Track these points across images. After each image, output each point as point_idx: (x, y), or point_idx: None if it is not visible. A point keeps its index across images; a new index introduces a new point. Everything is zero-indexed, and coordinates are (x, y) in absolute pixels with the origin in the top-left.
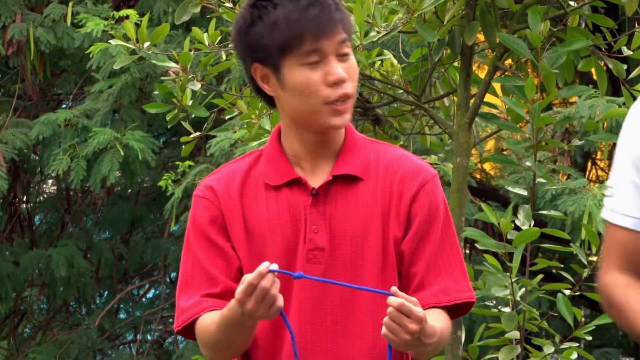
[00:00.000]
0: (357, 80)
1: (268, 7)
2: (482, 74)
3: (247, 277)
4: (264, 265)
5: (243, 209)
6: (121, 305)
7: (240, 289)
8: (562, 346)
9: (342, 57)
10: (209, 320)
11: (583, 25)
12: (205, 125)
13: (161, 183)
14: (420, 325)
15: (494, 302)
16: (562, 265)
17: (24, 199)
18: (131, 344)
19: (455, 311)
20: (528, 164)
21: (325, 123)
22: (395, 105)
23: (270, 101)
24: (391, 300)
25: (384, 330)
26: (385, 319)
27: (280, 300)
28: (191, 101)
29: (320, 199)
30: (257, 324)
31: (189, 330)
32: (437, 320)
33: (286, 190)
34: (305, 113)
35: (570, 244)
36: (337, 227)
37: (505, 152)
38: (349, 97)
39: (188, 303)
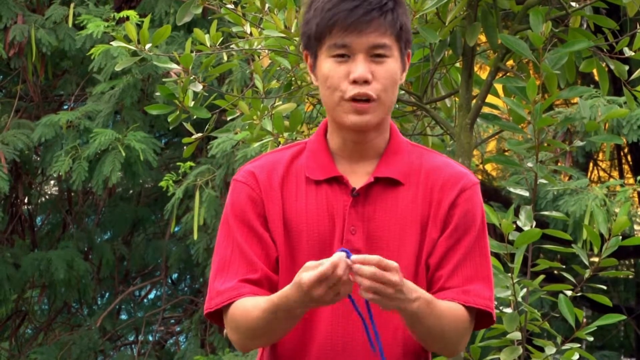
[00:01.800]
0: (391, 85)
1: None
2: (483, 75)
3: (312, 264)
4: (337, 257)
5: (283, 201)
6: (122, 306)
7: (309, 278)
8: (563, 347)
9: (376, 58)
10: (250, 305)
11: (585, 26)
12: (207, 126)
13: (162, 184)
14: (399, 275)
15: (496, 303)
16: (564, 266)
17: (26, 200)
18: (133, 345)
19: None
20: (530, 164)
21: (344, 119)
22: (397, 106)
23: None
24: (365, 263)
25: (369, 295)
26: (367, 282)
27: (349, 286)
28: (193, 102)
29: (360, 200)
30: (303, 314)
31: (219, 315)
32: (445, 304)
33: (326, 186)
34: (329, 106)
35: (572, 245)
36: (375, 229)
37: (506, 153)
38: (370, 98)
39: (225, 286)
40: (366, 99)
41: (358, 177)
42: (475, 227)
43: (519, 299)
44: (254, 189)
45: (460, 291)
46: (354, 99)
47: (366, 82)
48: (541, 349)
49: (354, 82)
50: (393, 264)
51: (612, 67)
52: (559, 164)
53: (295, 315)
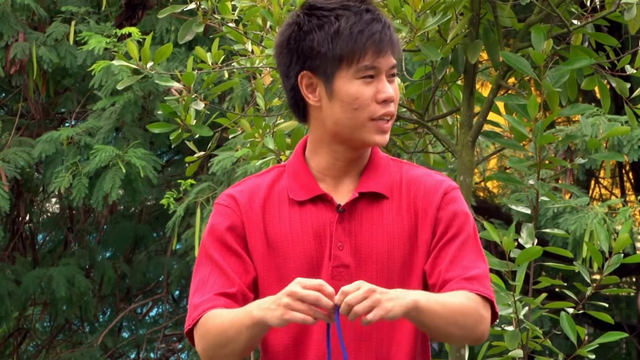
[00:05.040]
0: (398, 100)
1: (330, 17)
2: (485, 93)
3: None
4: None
5: (265, 224)
6: (124, 324)
7: (307, 280)
8: None
9: (391, 77)
10: (221, 313)
11: (586, 43)
12: (209, 144)
13: (163, 201)
14: (366, 284)
15: (497, 320)
16: (565, 284)
17: (27, 217)
18: None
19: None
20: (531, 182)
21: (368, 139)
22: (399, 123)
23: (303, 114)
24: (343, 302)
25: (370, 316)
26: (360, 307)
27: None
28: (195, 120)
29: (345, 216)
30: (265, 330)
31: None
32: (447, 293)
33: (310, 206)
34: (348, 127)
35: (574, 263)
36: (363, 244)
37: (508, 171)
38: (392, 116)
39: (200, 300)
40: (389, 117)
41: (341, 194)
42: (467, 226)
43: (521, 317)
44: (234, 212)
45: (462, 279)
46: (381, 119)
47: (392, 100)
48: None
49: (384, 101)
50: (356, 283)
51: (613, 84)
52: (560, 182)
53: (261, 330)
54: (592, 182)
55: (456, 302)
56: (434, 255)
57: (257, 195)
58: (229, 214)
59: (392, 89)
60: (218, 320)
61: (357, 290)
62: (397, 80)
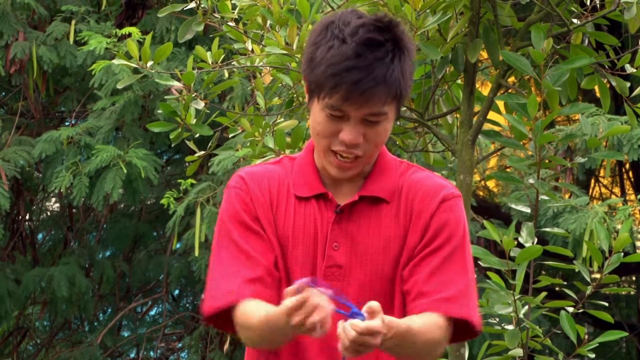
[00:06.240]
0: (380, 143)
1: (329, 41)
2: (485, 92)
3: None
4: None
5: (273, 215)
6: (124, 323)
7: (288, 304)
8: None
9: (369, 122)
10: (250, 312)
11: (586, 42)
12: (210, 143)
13: (163, 201)
14: (378, 338)
15: (497, 319)
16: (565, 283)
17: (27, 216)
18: None
19: (456, 332)
20: (531, 181)
21: (327, 167)
22: (399, 122)
23: None
24: (348, 329)
25: (348, 354)
26: (347, 343)
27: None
28: (195, 120)
29: (344, 216)
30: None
31: (219, 316)
32: (419, 323)
33: (313, 203)
34: (316, 148)
35: (574, 262)
36: (359, 246)
37: (508, 170)
38: (356, 157)
39: (226, 288)
40: (347, 157)
41: (344, 195)
42: (456, 238)
43: (521, 316)
44: (247, 193)
45: (439, 299)
46: (338, 153)
47: (353, 144)
48: None
49: (341, 142)
50: (377, 325)
51: (613, 83)
52: (560, 181)
53: (288, 333)
54: (592, 181)
55: (424, 338)
56: (415, 263)
57: (265, 185)
58: (242, 195)
59: (361, 132)
60: (249, 321)
61: (367, 336)
62: (383, 124)
